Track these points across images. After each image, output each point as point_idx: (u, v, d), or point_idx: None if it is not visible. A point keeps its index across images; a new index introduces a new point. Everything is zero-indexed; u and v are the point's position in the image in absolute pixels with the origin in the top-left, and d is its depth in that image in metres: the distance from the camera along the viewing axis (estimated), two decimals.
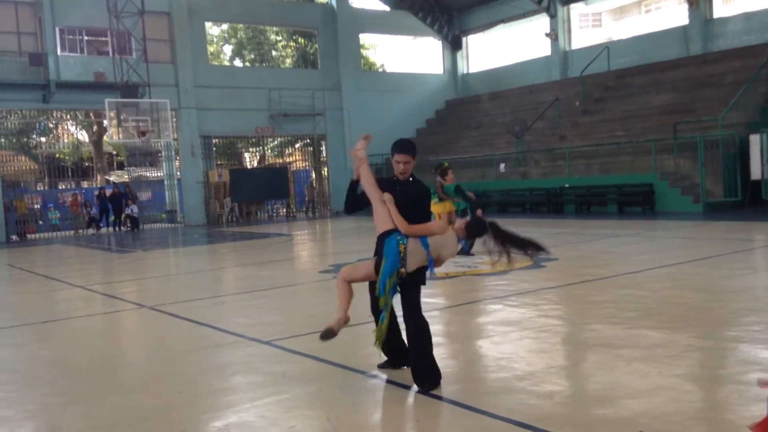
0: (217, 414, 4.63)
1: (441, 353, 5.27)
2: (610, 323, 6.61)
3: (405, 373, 5.19)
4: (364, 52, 37.02)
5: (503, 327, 7.05)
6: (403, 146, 5.15)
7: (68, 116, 36.91)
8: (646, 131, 22.21)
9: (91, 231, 27.12)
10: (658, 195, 20.14)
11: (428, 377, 4.86)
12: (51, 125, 39.58)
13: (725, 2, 34.71)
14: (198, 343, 6.86)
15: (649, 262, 10.44)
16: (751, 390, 4.47)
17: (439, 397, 4.68)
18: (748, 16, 25.11)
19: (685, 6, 26.34)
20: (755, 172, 18.83)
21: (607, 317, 6.91)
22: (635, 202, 20.64)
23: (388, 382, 5.13)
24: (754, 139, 18.82)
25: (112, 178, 40.84)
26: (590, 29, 45.45)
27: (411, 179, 5.15)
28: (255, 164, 39.74)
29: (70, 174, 39.35)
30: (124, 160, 44.01)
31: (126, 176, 37.17)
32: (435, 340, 5.20)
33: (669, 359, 5.30)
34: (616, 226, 17.03)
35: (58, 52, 25.77)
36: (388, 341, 5.10)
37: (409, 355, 4.98)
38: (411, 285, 4.94)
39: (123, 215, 27.62)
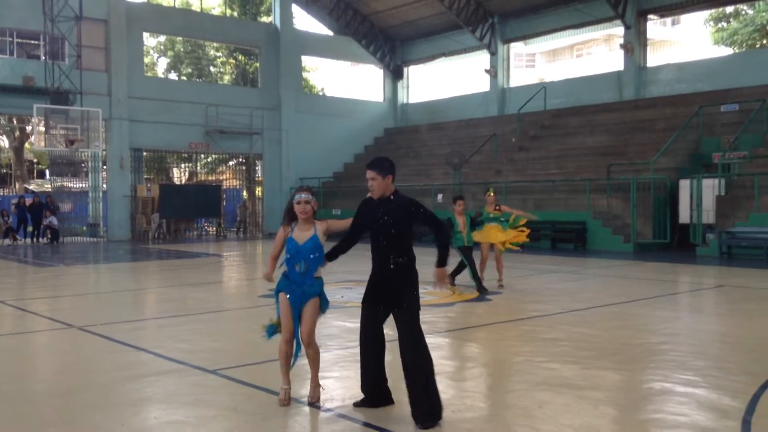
0: None
1: (396, 389, 5.03)
2: (566, 362, 6.52)
3: (370, 411, 4.93)
4: (305, 74, 36.83)
5: (461, 362, 6.88)
6: (371, 162, 4.99)
7: None
8: (580, 170, 22.72)
9: (7, 241, 25.67)
10: (590, 233, 20.56)
11: (433, 413, 4.66)
12: None
13: (655, 52, 36.27)
14: (136, 369, 6.38)
15: (593, 300, 10.51)
16: None
17: None
18: (680, 67, 26.22)
19: (616, 52, 27.28)
20: (684, 216, 19.47)
21: (562, 355, 6.82)
22: (568, 239, 21.01)
23: (349, 419, 4.84)
24: (684, 184, 19.49)
25: (32, 187, 39.03)
26: (524, 69, 46.77)
27: (392, 197, 4.90)
28: (184, 180, 38.73)
29: None
30: (46, 168, 42.22)
31: (47, 186, 35.55)
32: (389, 374, 5.01)
33: (634, 403, 5.23)
34: (551, 261, 17.23)
35: None
36: (372, 378, 4.85)
37: (410, 389, 4.71)
38: (407, 312, 4.75)
39: (42, 226, 26.28)
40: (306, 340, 5.08)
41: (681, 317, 9.19)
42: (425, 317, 8.99)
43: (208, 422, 4.78)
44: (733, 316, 9.71)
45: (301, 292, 5.03)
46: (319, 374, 5.22)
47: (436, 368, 6.40)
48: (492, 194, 11.72)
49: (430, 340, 7.65)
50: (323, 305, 5.15)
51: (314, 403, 5.14)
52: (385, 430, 4.61)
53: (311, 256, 5.01)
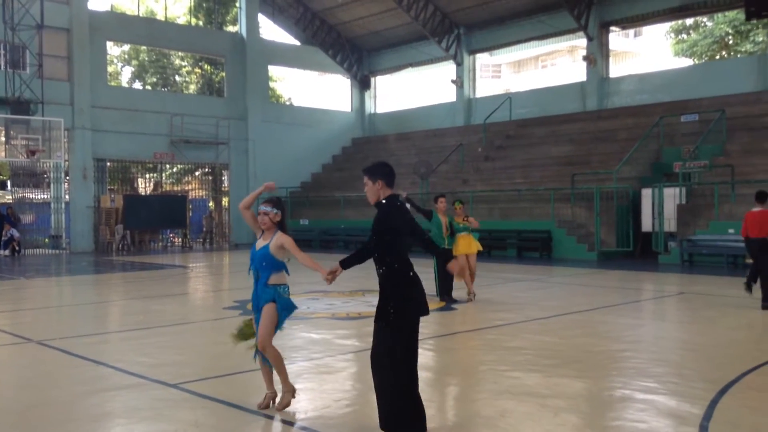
0: None
1: (362, 401, 5.02)
2: (530, 371, 6.57)
3: (331, 423, 4.91)
4: (272, 84, 36.71)
5: (425, 372, 6.87)
6: (365, 167, 4.91)
7: None
8: (545, 180, 22.99)
9: None
10: (555, 242, 20.79)
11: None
12: None
13: (616, 63, 36.91)
14: (96, 384, 6.28)
15: (557, 309, 10.61)
16: None
17: None
18: (641, 78, 26.71)
19: (580, 64, 27.71)
20: (646, 225, 19.79)
21: (525, 364, 6.87)
22: (534, 248, 21.21)
23: (308, 430, 4.82)
24: (646, 193, 19.82)
25: None
26: (491, 79, 47.26)
27: (383, 202, 4.77)
28: (149, 191, 38.24)
29: None
30: (7, 179, 41.36)
31: (8, 197, 34.82)
32: (348, 385, 4.98)
33: (596, 410, 5.30)
34: (516, 270, 17.37)
35: None
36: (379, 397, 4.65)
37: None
38: (377, 322, 4.64)
39: (2, 238, 25.71)
40: (260, 345, 5.17)
41: (643, 324, 9.33)
42: None
43: None
44: (693, 323, 9.89)
45: (256, 297, 5.23)
46: (280, 384, 5.21)
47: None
48: (460, 206, 11.61)
49: None
50: (280, 313, 5.20)
51: (282, 408, 5.18)
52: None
53: (262, 263, 5.19)
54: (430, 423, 5.04)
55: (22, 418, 5.30)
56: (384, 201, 4.75)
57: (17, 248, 25.10)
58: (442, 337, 8.58)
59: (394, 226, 4.67)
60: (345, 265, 4.78)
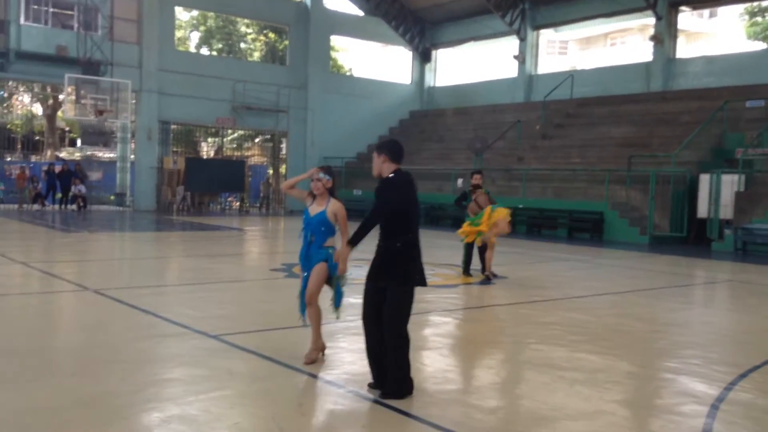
0: (160, 405, 4.57)
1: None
2: (555, 345, 6.74)
3: (354, 379, 5.22)
4: (333, 54, 36.99)
5: (451, 340, 7.14)
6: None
7: (24, 87, 35.89)
8: (602, 161, 22.69)
9: (36, 207, 26.39)
10: (607, 224, 20.59)
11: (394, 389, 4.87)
12: (5, 95, 38.38)
13: (688, 43, 35.83)
14: (143, 331, 6.75)
15: (596, 289, 10.67)
16: (685, 422, 4.63)
17: (385, 405, 4.70)
18: (709, 60, 25.93)
19: (650, 43, 27.04)
20: (702, 211, 19.41)
21: (552, 338, 7.04)
22: (585, 229, 21.06)
23: (336, 385, 5.13)
24: (704, 179, 19.40)
25: (62, 155, 39.84)
26: (556, 56, 46.42)
27: (386, 176, 4.99)
28: (212, 155, 39.25)
29: (19, 146, 38.28)
30: (78, 137, 43.08)
31: (77, 154, 36.34)
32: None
33: (610, 385, 5.44)
34: (564, 250, 17.34)
35: (21, 21, 25.06)
36: (370, 350, 4.97)
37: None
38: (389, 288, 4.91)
39: (70, 194, 26.96)
40: (308, 298, 5.57)
41: (679, 308, 9.33)
42: (427, 296, 9.29)
43: (201, 381, 5.10)
44: (732, 310, 9.84)
45: (315, 257, 5.55)
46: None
47: (429, 344, 6.70)
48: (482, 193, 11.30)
49: (429, 318, 7.95)
50: (332, 269, 5.49)
51: (310, 362, 5.54)
52: (352, 390, 4.89)
53: (320, 228, 5.53)
54: (447, 385, 5.31)
55: (73, 357, 5.79)
56: (387, 176, 4.93)
57: (83, 204, 26.26)
58: (474, 308, 8.79)
59: (389, 200, 4.84)
60: (353, 243, 4.96)
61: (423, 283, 4.99)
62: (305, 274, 5.60)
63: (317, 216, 5.53)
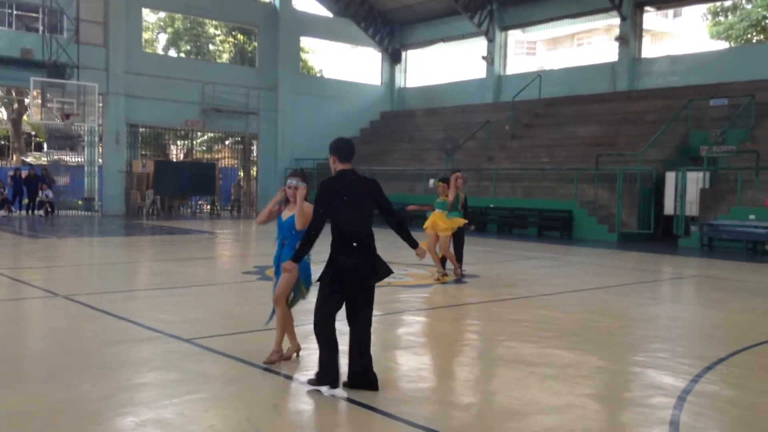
0: (134, 409, 4.56)
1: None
2: (525, 341, 6.84)
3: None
4: (303, 55, 36.93)
5: (423, 339, 7.21)
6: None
7: None
8: (570, 160, 22.99)
9: (2, 213, 25.94)
10: (576, 222, 20.86)
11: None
12: None
13: (653, 43, 36.43)
14: (115, 336, 6.71)
15: (565, 286, 10.84)
16: (653, 414, 4.74)
17: (359, 403, 4.75)
18: (673, 59, 26.41)
19: (615, 44, 27.45)
20: (668, 208, 19.77)
21: (523, 335, 7.14)
22: (554, 227, 21.32)
23: (310, 386, 5.16)
24: (670, 176, 19.76)
25: (29, 160, 39.22)
26: (524, 56, 46.88)
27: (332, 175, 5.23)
28: (181, 157, 38.92)
29: None
30: (44, 141, 42.37)
31: (44, 159, 35.77)
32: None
33: (580, 379, 5.54)
34: (534, 248, 17.54)
35: None
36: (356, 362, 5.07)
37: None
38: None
39: (37, 199, 26.55)
40: (275, 299, 5.61)
41: (647, 304, 9.51)
42: (400, 296, 9.34)
43: (175, 385, 5.10)
44: (698, 305, 10.06)
45: (279, 261, 5.58)
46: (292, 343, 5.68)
47: (402, 343, 6.77)
48: (441, 185, 11.37)
49: (403, 317, 8.02)
50: (304, 280, 5.58)
51: (268, 364, 5.56)
52: (344, 398, 4.93)
53: (291, 232, 5.53)
54: (420, 383, 5.37)
55: (44, 363, 5.74)
56: (333, 174, 5.07)
57: (50, 209, 25.89)
58: (446, 307, 8.87)
59: (328, 199, 4.96)
60: (296, 260, 5.10)
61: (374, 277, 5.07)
62: (278, 278, 5.63)
63: (289, 220, 5.56)
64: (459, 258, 11.36)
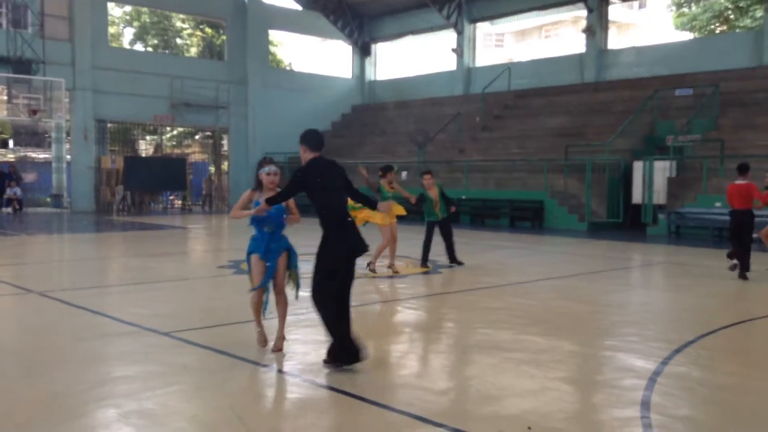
0: (116, 401, 4.59)
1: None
2: (501, 328, 6.99)
3: (309, 369, 5.33)
4: (272, 48, 36.75)
5: (401, 328, 7.31)
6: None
7: None
8: (540, 151, 23.26)
9: None
10: (547, 212, 21.14)
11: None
12: None
13: (619, 34, 36.90)
14: (92, 331, 6.70)
15: (538, 274, 11.02)
16: (625, 395, 4.90)
17: (340, 391, 4.84)
18: (639, 50, 26.83)
19: (582, 35, 27.79)
20: (636, 197, 20.13)
21: (498, 323, 7.29)
22: (526, 218, 21.58)
23: (292, 375, 5.24)
24: (637, 166, 20.12)
25: None
26: (493, 48, 47.18)
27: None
28: (151, 153, 38.55)
29: None
30: (9, 138, 41.67)
31: (10, 155, 35.18)
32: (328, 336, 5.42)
33: (553, 363, 5.69)
34: (507, 239, 17.76)
35: None
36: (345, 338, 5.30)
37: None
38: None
39: (5, 196, 26.13)
40: (280, 286, 5.76)
41: (618, 290, 9.73)
42: (378, 286, 9.43)
43: (156, 377, 5.13)
44: (667, 290, 10.31)
45: (276, 248, 5.71)
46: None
47: (380, 332, 6.86)
48: (392, 173, 11.47)
49: (380, 307, 8.12)
50: (293, 258, 5.84)
51: (277, 351, 5.73)
52: (307, 379, 5.01)
53: (282, 216, 5.72)
54: (400, 371, 5.48)
55: (22, 360, 5.73)
56: (305, 163, 5.42)
57: (18, 206, 25.52)
58: (423, 297, 8.99)
59: (302, 183, 5.34)
60: (270, 202, 5.46)
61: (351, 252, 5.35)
62: (269, 264, 5.68)
63: (277, 207, 5.62)
64: (451, 249, 11.53)
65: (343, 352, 5.22)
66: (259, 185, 5.73)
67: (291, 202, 5.73)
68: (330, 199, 5.35)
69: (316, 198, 5.33)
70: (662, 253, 15.10)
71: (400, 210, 10.59)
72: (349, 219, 5.36)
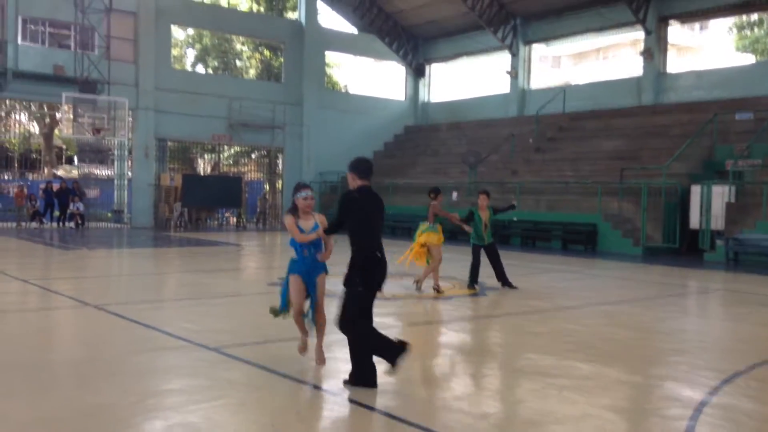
0: (162, 414, 4.73)
1: (382, 370, 5.48)
2: (545, 353, 6.92)
3: (353, 390, 5.39)
4: (328, 70, 37.33)
5: (444, 349, 7.31)
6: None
7: (21, 106, 36.12)
8: (594, 173, 22.96)
9: (34, 225, 26.52)
10: (600, 235, 20.80)
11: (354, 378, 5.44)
12: (2, 114, 38.58)
13: (679, 57, 36.25)
14: (143, 344, 6.91)
15: (588, 299, 10.86)
16: (668, 424, 4.80)
17: (380, 411, 4.88)
18: (698, 74, 26.30)
19: (640, 58, 27.41)
20: (694, 222, 19.64)
21: (543, 348, 7.22)
22: (579, 241, 21.27)
23: (332, 394, 5.31)
24: (695, 190, 19.65)
25: (60, 173, 40.02)
26: (549, 70, 46.91)
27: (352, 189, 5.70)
28: (208, 171, 39.48)
29: (16, 165, 38.45)
30: (74, 155, 43.26)
31: (74, 172, 36.53)
32: (377, 358, 5.46)
33: (597, 390, 5.62)
34: (558, 261, 17.53)
35: (19, 41, 25.35)
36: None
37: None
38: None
39: (68, 211, 27.11)
40: (321, 306, 5.98)
41: (670, 318, 9.51)
42: (424, 308, 9.46)
43: (201, 391, 5.27)
44: (721, 319, 10.03)
45: (313, 269, 5.93)
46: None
47: (425, 354, 6.88)
48: (441, 196, 11.41)
49: (426, 329, 8.14)
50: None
51: (320, 363, 5.96)
52: (349, 398, 5.06)
53: (320, 243, 5.90)
54: (442, 393, 5.49)
55: (75, 370, 5.95)
56: (352, 189, 5.53)
57: (80, 221, 26.42)
58: (469, 320, 8.96)
59: (348, 209, 5.43)
60: (328, 233, 5.80)
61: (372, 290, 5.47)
62: (312, 287, 5.95)
63: (314, 229, 5.81)
64: (502, 273, 11.54)
65: (362, 376, 5.35)
66: (294, 209, 5.89)
67: (329, 238, 5.91)
68: (363, 232, 5.42)
69: (352, 227, 5.44)
70: (719, 280, 14.68)
71: (440, 238, 10.77)
72: (378, 254, 5.41)
